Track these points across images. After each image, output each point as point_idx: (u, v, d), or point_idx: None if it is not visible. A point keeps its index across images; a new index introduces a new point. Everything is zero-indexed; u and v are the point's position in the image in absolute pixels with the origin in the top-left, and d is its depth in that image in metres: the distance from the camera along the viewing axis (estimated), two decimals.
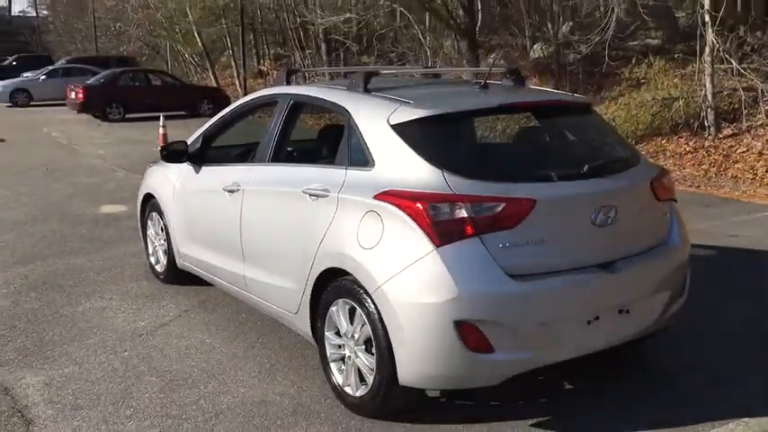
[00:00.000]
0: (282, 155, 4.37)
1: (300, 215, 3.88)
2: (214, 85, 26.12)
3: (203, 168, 4.99)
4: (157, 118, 14.34)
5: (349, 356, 3.61)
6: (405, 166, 3.43)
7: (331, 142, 4.10)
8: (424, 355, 3.23)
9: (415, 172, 3.37)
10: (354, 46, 22.56)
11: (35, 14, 65.54)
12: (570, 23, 17.50)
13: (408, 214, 3.25)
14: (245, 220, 4.39)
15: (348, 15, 19.27)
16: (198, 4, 22.31)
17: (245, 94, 22.84)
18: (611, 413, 3.59)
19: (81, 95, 20.32)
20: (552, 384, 3.90)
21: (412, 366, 3.27)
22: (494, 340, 3.19)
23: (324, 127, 5.75)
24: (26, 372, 4.15)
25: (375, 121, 3.64)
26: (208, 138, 5.10)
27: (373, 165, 3.56)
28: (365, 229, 3.43)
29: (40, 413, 3.67)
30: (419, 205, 3.23)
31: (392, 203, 3.33)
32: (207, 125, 5.19)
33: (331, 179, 3.75)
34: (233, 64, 24.26)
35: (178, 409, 3.70)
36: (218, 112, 5.29)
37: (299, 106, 4.39)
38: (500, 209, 3.22)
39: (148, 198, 5.78)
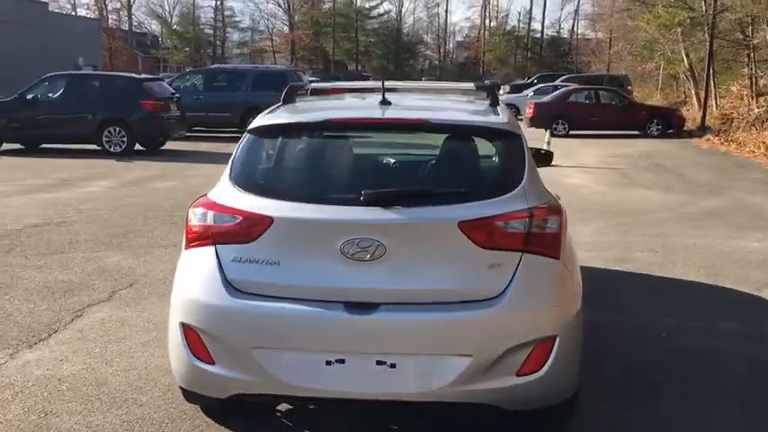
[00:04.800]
0: None
1: None
2: (696, 103, 24.68)
3: None
4: (603, 136, 13.90)
5: None
6: (227, 174, 3.52)
7: None
8: (169, 351, 3.37)
9: (223, 180, 3.46)
10: None
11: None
12: None
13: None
14: None
15: None
16: (653, 22, 21.40)
17: (703, 116, 21.24)
18: None
19: (531, 111, 21.67)
20: None
21: (170, 360, 3.42)
22: (213, 352, 3.14)
23: None
24: None
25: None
26: None
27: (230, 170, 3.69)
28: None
29: None
30: (189, 210, 3.36)
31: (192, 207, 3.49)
32: None
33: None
34: (705, 82, 22.55)
35: None
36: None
37: None
38: (235, 222, 3.15)
39: None
